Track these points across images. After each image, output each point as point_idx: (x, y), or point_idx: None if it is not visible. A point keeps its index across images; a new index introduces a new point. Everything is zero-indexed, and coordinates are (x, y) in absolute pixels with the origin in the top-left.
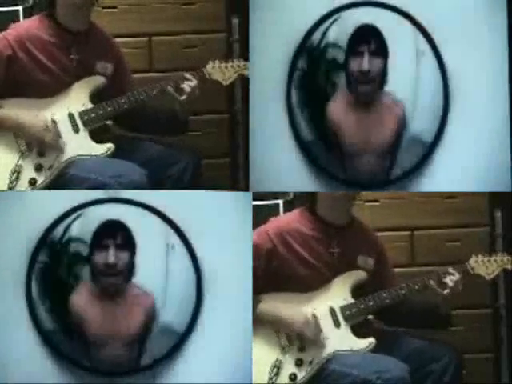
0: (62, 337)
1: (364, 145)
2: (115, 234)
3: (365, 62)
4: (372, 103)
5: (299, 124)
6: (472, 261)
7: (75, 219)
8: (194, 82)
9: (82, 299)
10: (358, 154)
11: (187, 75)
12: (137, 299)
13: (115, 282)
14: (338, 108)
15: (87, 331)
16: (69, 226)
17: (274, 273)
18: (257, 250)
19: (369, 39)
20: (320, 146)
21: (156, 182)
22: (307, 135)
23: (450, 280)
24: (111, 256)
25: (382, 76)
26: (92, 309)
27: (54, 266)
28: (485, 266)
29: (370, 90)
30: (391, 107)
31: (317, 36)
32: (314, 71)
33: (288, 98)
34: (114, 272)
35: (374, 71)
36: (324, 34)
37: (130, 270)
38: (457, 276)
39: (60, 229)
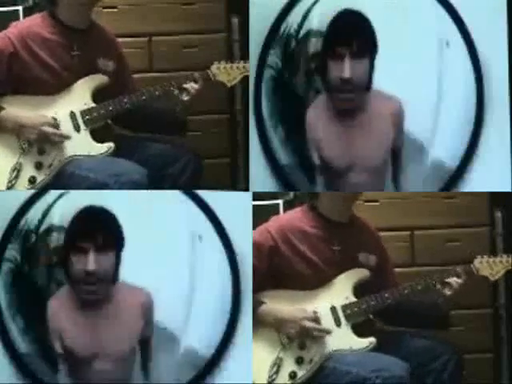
0: (41, 361)
1: (351, 161)
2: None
3: (346, 69)
4: (359, 109)
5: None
6: (476, 262)
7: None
8: (198, 83)
9: (61, 310)
10: (345, 172)
11: (191, 75)
12: (128, 300)
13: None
14: (316, 116)
15: (73, 351)
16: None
17: (276, 271)
18: (258, 248)
19: (351, 35)
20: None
21: (156, 181)
22: (284, 157)
23: (453, 281)
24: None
25: (369, 77)
26: (74, 323)
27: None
28: (489, 267)
29: (353, 98)
30: (383, 109)
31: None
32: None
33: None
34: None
35: (358, 77)
36: (304, 17)
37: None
38: (461, 277)
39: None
